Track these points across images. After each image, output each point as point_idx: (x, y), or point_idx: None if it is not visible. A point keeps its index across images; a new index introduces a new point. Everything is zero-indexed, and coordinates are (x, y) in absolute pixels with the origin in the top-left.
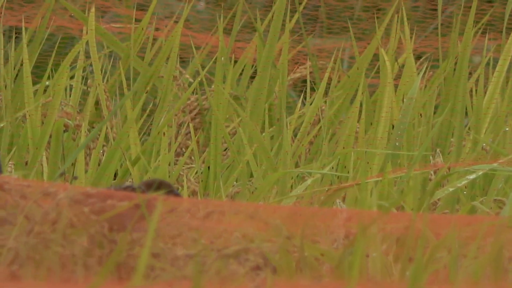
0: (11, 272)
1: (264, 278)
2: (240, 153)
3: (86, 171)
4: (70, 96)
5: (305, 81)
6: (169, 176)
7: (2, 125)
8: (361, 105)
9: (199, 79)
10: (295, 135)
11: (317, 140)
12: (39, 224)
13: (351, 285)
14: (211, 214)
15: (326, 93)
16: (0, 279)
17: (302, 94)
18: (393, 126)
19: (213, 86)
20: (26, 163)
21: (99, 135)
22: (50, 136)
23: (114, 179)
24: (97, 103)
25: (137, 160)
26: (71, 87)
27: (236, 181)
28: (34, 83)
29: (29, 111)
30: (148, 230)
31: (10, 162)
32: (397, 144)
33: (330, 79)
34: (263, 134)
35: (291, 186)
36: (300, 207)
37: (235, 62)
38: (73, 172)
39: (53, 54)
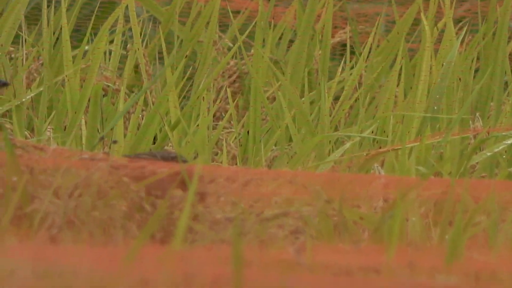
0: (51, 236)
1: (304, 241)
2: (279, 117)
3: (125, 136)
4: (109, 61)
5: (344, 45)
6: (208, 141)
7: (41, 89)
8: (400, 69)
9: (239, 43)
10: (335, 100)
11: (357, 104)
12: (79, 189)
13: (390, 249)
14: (250, 181)
15: (365, 57)
16: (40, 243)
17: (343, 59)
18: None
19: (252, 51)
20: (65, 128)
21: (138, 99)
22: (89, 101)
23: (153, 144)
24: (136, 67)
25: (176, 125)
26: (110, 51)
27: (275, 146)
28: (73, 48)
29: (68, 75)
30: (188, 195)
31: (48, 127)
32: (435, 108)
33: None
34: (303, 98)
35: (330, 150)
36: (338, 173)
37: (274, 26)
38: (112, 137)
39: (93, 19)
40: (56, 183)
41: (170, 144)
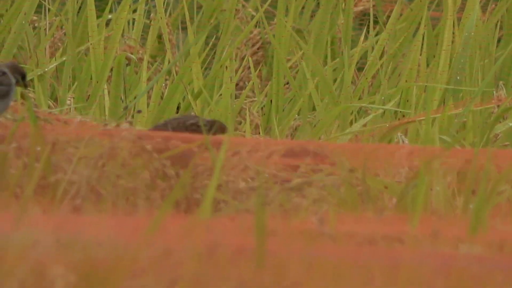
0: (75, 206)
1: (327, 211)
2: (302, 86)
3: (148, 105)
4: (132, 30)
5: (367, 14)
6: (231, 110)
7: (64, 59)
8: (423, 38)
9: (261, 12)
10: (358, 69)
11: (380, 73)
12: (103, 159)
13: (414, 218)
14: (273, 152)
15: (389, 26)
16: (64, 213)
17: (365, 28)
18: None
19: (275, 20)
20: (88, 98)
21: (161, 68)
22: (112, 70)
23: (177, 113)
24: (159, 37)
25: (199, 94)
26: (133, 20)
27: (298, 115)
28: (97, 17)
29: (92, 44)
30: (215, 165)
31: (69, 96)
32: (458, 78)
33: (392, 12)
34: (326, 67)
35: (353, 120)
36: (362, 142)
37: None
38: (135, 106)
39: None
40: (80, 153)
41: (193, 114)
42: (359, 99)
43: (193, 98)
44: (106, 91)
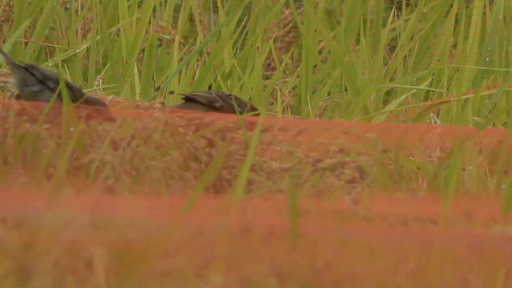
0: (108, 186)
1: (360, 191)
2: (334, 67)
3: (179, 85)
4: (164, 11)
5: None
6: (263, 90)
7: (96, 39)
8: (456, 19)
9: None
10: (390, 49)
11: (412, 54)
12: (136, 139)
13: (446, 198)
14: (304, 130)
15: (421, 6)
16: (97, 193)
17: (393, 8)
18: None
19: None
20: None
21: (192, 49)
22: (143, 51)
23: None
24: (190, 17)
25: (230, 74)
26: (165, 1)
27: (328, 95)
28: None
29: (123, 25)
30: (249, 147)
31: (98, 77)
32: (487, 59)
33: None
34: (357, 47)
35: (386, 100)
36: (394, 123)
37: None
38: (166, 86)
39: None
40: (113, 134)
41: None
42: (390, 80)
43: (224, 79)
44: (136, 72)
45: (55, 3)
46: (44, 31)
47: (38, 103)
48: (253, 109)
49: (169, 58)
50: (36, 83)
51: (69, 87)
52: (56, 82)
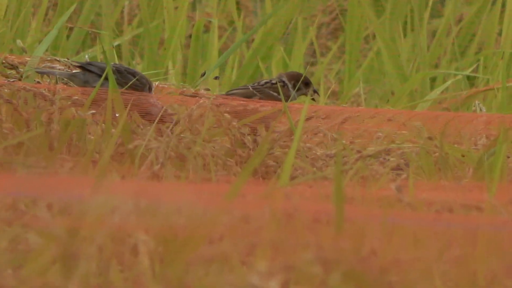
0: (153, 172)
1: (405, 178)
2: (379, 53)
3: (224, 71)
4: None
5: None
6: (311, 77)
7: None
8: (502, 5)
9: None
10: (433, 35)
11: (457, 40)
12: (181, 125)
13: (492, 186)
14: (349, 119)
15: None
16: (143, 179)
17: None
18: None
19: None
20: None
21: (236, 34)
22: (190, 37)
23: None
24: (236, 3)
25: (276, 62)
26: None
27: (370, 82)
28: None
29: (168, 12)
30: (294, 134)
31: (134, 62)
32: None
33: None
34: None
35: (430, 87)
36: (439, 111)
37: None
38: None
39: None
40: (158, 119)
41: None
42: (435, 67)
43: (270, 65)
44: (180, 58)
45: None
46: (90, 17)
47: (85, 88)
48: (305, 81)
49: (213, 44)
50: (97, 77)
51: (119, 71)
52: (116, 72)
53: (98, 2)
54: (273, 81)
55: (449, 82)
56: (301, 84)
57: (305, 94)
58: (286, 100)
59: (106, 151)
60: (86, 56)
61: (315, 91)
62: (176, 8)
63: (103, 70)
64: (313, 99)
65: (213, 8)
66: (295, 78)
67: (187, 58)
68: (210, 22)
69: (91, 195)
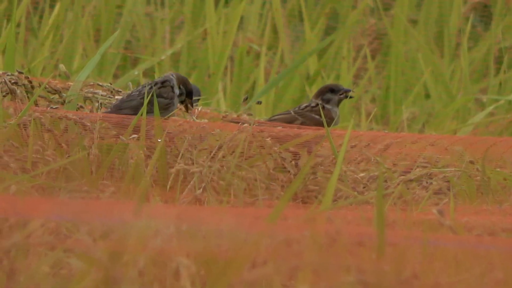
0: (196, 196)
1: (447, 202)
2: (417, 77)
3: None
4: (249, 21)
5: (486, 6)
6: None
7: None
8: None
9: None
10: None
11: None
12: (223, 150)
13: None
14: (391, 145)
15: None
16: (185, 203)
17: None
18: None
19: (392, 11)
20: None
21: (276, 58)
22: (231, 60)
23: (293, 103)
24: (275, 27)
25: (314, 80)
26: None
27: (413, 103)
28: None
29: (211, 34)
30: (337, 158)
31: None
32: None
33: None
34: (442, 59)
35: (472, 111)
36: (481, 135)
37: None
38: (249, 95)
39: None
40: (200, 144)
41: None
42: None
43: (308, 84)
44: (221, 82)
45: (139, 13)
46: (123, 40)
47: (126, 116)
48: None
49: (255, 68)
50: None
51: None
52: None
53: (135, 27)
54: (312, 104)
55: (491, 107)
56: (328, 93)
57: (340, 100)
58: (330, 121)
59: (147, 176)
60: (129, 84)
61: (346, 91)
62: (224, 32)
63: (135, 109)
64: (351, 97)
65: (254, 33)
66: (322, 92)
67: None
68: (253, 45)
69: (133, 219)
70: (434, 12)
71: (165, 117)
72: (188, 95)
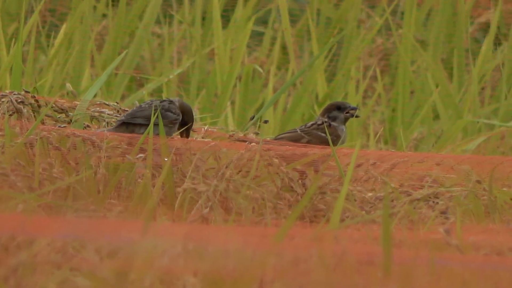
0: (202, 215)
1: (454, 221)
2: (425, 97)
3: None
4: (259, 41)
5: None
6: (355, 120)
7: (191, 61)
8: None
9: (383, 21)
10: (480, 79)
11: (500, 84)
12: (230, 169)
13: None
14: (398, 164)
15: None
16: (192, 222)
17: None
18: None
19: (400, 30)
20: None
21: (285, 77)
22: (240, 80)
23: (301, 122)
24: (283, 47)
25: (324, 103)
26: (261, 33)
27: (421, 124)
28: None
29: (218, 54)
30: (344, 178)
31: (194, 108)
32: None
33: None
34: (450, 78)
35: (478, 130)
36: (487, 155)
37: (419, 5)
38: (261, 116)
39: None
40: (207, 163)
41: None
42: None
43: (317, 107)
44: (229, 102)
45: (146, 33)
46: (135, 60)
47: (132, 135)
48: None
49: (262, 87)
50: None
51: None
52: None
53: (142, 46)
54: (319, 122)
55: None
56: (334, 111)
57: (347, 118)
58: (336, 139)
59: (154, 195)
60: (136, 102)
61: (353, 109)
62: (232, 51)
63: (148, 118)
64: (357, 116)
65: (260, 52)
66: (328, 110)
67: (236, 101)
68: (258, 68)
69: (140, 238)
70: (442, 32)
71: (170, 136)
72: (184, 125)
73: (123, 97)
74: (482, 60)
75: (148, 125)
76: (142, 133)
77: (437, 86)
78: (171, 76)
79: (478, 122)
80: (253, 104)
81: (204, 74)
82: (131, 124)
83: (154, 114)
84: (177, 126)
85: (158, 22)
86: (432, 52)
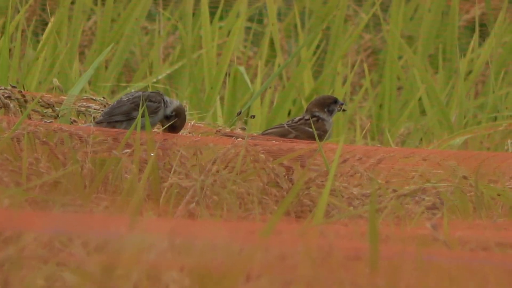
0: (189, 210)
1: (440, 217)
2: (413, 92)
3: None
4: (247, 36)
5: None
6: (342, 114)
7: (180, 64)
8: None
9: (369, 16)
10: (467, 74)
11: (488, 80)
12: (217, 164)
13: None
14: (384, 159)
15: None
16: (178, 218)
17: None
18: None
19: (388, 26)
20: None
21: (272, 72)
22: (227, 75)
23: (288, 117)
24: (271, 42)
25: (310, 98)
26: (249, 27)
27: (408, 119)
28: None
29: (207, 51)
30: (329, 173)
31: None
32: None
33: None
34: (436, 73)
35: (465, 124)
36: (473, 150)
37: (408, 1)
38: (248, 112)
39: None
40: (194, 159)
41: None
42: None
43: (305, 102)
44: (218, 97)
45: (135, 28)
46: (124, 56)
47: (119, 130)
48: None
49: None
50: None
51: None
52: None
53: (132, 41)
54: (306, 117)
55: (482, 125)
56: (332, 105)
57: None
58: (323, 134)
59: (142, 190)
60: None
61: (342, 104)
62: (220, 47)
63: (126, 114)
64: (344, 110)
65: (249, 49)
66: (326, 104)
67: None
68: (246, 60)
69: (126, 233)
70: (431, 27)
71: (153, 125)
72: (174, 128)
73: (113, 93)
74: (470, 56)
75: (127, 120)
76: (124, 128)
77: (424, 83)
78: (159, 77)
79: (464, 117)
80: (242, 100)
81: (192, 70)
82: (111, 121)
83: (135, 110)
84: (159, 114)
85: (149, 17)
86: (420, 48)
